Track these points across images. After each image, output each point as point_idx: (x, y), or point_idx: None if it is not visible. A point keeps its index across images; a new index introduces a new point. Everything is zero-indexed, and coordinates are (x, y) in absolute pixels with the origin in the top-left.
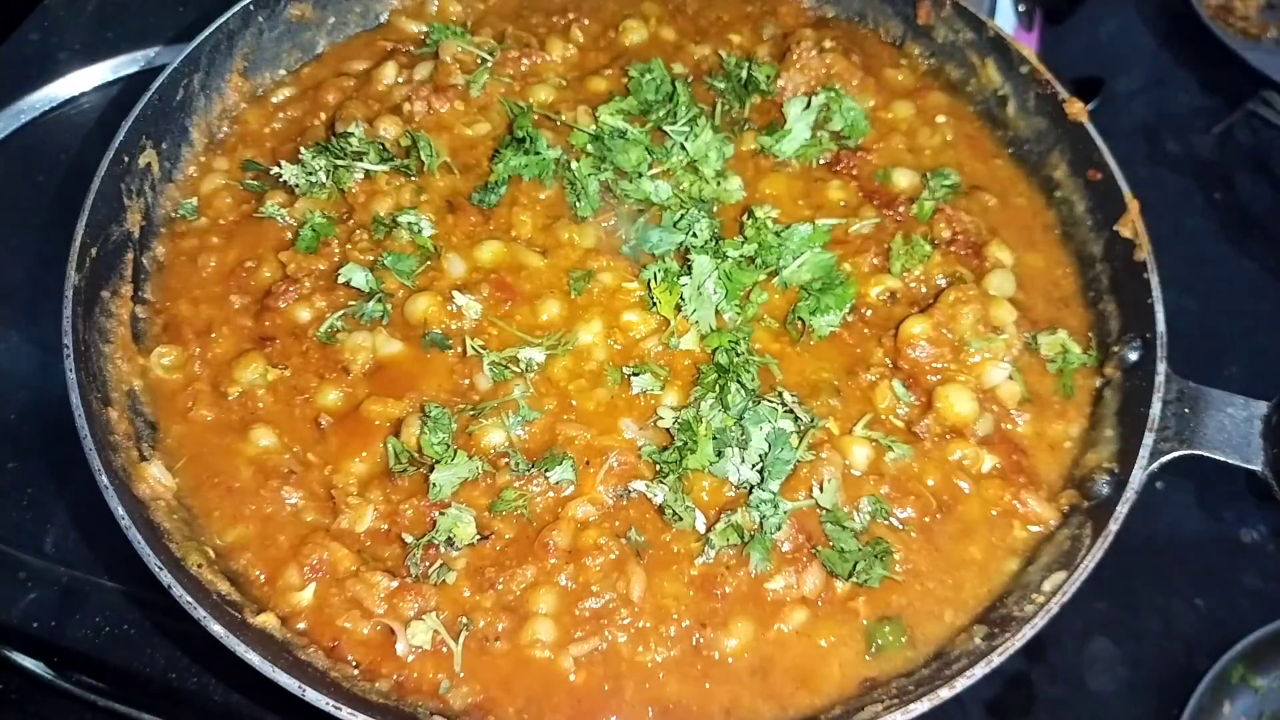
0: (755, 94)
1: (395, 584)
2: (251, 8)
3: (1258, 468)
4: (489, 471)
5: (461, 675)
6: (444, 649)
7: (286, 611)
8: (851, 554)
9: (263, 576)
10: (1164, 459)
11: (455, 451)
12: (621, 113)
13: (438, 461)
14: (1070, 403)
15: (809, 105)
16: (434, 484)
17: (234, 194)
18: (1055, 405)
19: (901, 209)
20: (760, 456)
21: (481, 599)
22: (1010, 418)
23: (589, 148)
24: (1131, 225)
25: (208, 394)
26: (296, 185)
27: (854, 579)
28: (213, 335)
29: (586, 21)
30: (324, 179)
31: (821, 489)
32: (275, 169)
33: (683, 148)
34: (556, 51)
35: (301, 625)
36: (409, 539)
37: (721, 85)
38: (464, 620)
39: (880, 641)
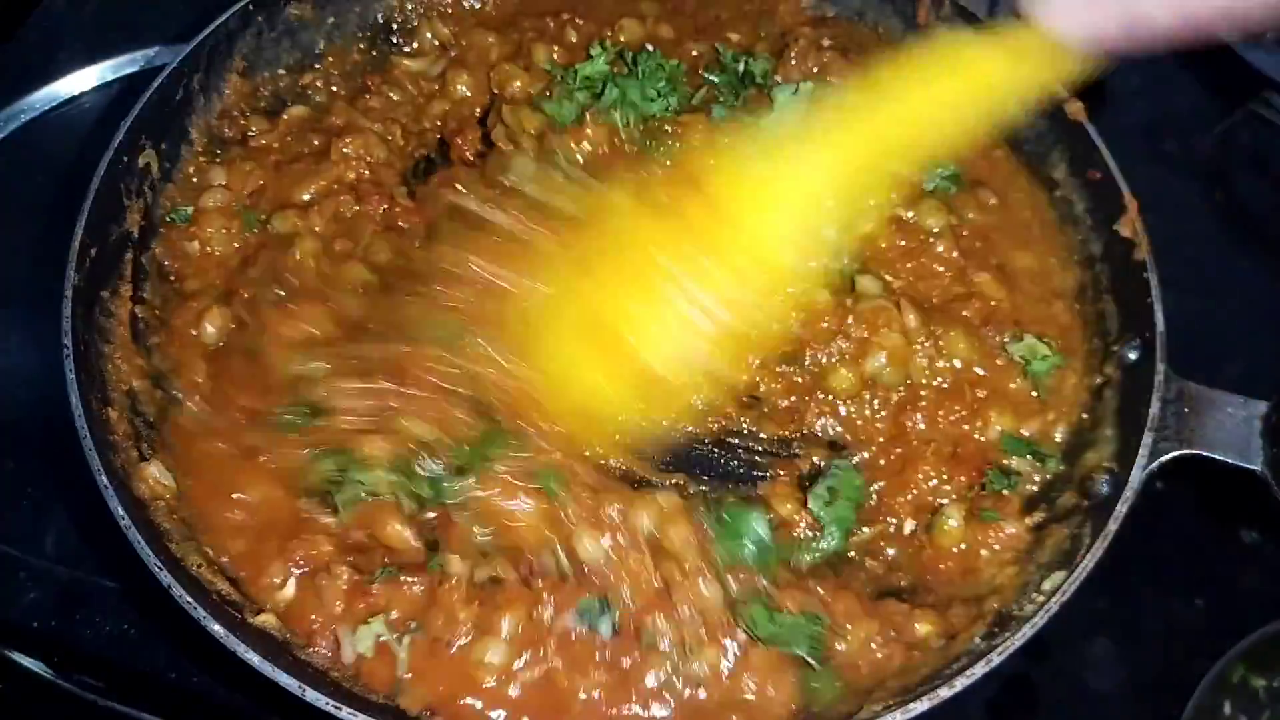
0: (751, 88)
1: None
2: (251, 8)
3: (1257, 467)
4: None
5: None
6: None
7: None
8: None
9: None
10: (1163, 458)
11: None
12: None
13: None
14: (1051, 404)
15: (796, 91)
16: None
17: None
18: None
19: None
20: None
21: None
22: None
23: None
24: (1131, 225)
25: None
26: None
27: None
28: None
29: (580, 21)
30: None
31: None
32: None
33: None
34: (541, 57)
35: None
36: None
37: (717, 79)
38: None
39: None
